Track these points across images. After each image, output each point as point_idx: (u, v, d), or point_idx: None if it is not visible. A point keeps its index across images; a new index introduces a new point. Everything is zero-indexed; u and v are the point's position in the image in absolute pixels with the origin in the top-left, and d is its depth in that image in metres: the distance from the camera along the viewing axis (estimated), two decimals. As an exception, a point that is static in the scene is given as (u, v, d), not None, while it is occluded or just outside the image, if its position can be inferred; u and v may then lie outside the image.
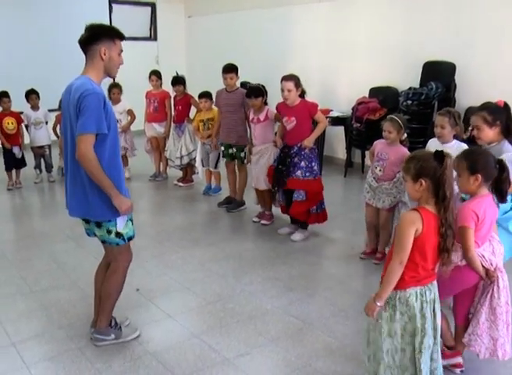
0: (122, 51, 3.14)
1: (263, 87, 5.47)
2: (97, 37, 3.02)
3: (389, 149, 4.38)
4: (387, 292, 2.49)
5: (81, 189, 3.03)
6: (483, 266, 2.77)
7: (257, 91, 5.38)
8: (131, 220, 3.21)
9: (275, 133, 5.40)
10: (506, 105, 3.46)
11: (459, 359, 3.04)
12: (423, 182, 2.44)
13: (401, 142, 4.41)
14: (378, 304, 2.50)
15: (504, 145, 3.36)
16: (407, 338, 2.54)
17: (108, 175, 2.97)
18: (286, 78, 4.87)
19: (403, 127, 4.33)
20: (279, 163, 5.11)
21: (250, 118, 5.52)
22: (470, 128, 3.54)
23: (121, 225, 3.12)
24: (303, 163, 4.94)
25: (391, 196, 4.40)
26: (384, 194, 4.43)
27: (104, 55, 3.03)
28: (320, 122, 5.03)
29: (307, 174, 4.94)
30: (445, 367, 3.03)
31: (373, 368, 2.66)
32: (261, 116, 5.40)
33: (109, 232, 3.13)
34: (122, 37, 3.13)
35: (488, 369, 3.10)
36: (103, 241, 3.22)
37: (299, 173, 4.93)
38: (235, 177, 6.25)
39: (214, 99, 6.33)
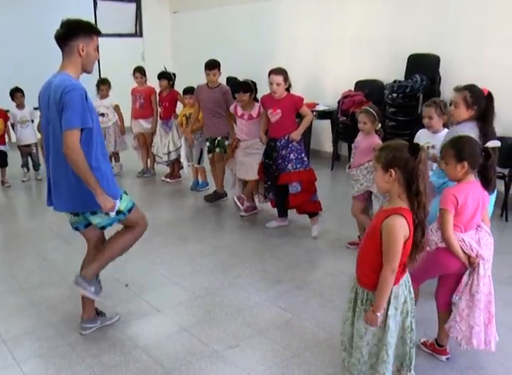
0: (98, 46, 3.14)
1: (253, 83, 5.47)
2: (74, 32, 3.02)
3: (362, 138, 4.50)
4: (384, 301, 2.45)
5: (72, 183, 3.04)
6: (464, 251, 2.82)
7: (245, 86, 5.40)
8: (125, 193, 3.28)
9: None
10: (489, 94, 3.47)
11: (443, 359, 3.10)
12: (393, 172, 2.35)
13: (376, 132, 4.49)
14: (379, 314, 2.45)
15: (466, 126, 3.39)
16: (399, 331, 2.54)
17: (100, 168, 3.02)
18: (275, 72, 4.89)
19: (377, 118, 4.41)
20: (266, 157, 5.14)
21: (239, 114, 5.50)
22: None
23: (117, 204, 3.15)
24: (292, 155, 4.96)
25: (358, 183, 4.47)
26: (354, 181, 4.53)
27: (82, 51, 3.03)
28: (306, 115, 5.06)
29: (298, 166, 4.98)
30: (431, 355, 3.11)
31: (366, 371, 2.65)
32: (254, 113, 5.41)
33: (108, 214, 3.15)
34: (98, 32, 3.15)
35: (472, 356, 3.15)
36: (102, 228, 3.29)
37: (290, 166, 4.96)
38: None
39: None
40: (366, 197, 4.53)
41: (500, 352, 3.14)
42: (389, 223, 2.37)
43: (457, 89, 3.50)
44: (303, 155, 5.03)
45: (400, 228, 2.35)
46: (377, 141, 4.38)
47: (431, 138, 3.98)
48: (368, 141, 4.40)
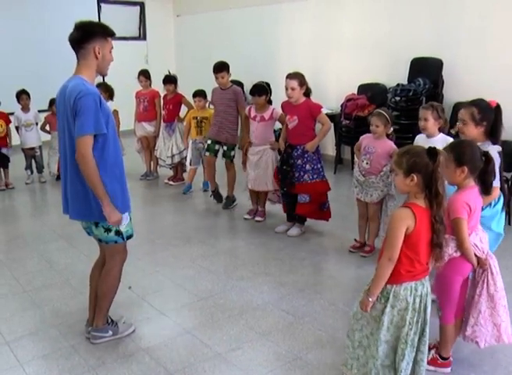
0: (112, 48, 3.13)
1: (267, 85, 5.43)
2: (90, 35, 2.99)
3: (375, 143, 4.47)
4: (378, 287, 2.55)
5: (82, 190, 3.02)
6: (475, 255, 2.83)
7: (260, 89, 5.34)
8: (130, 218, 3.21)
9: (278, 135, 5.41)
10: (498, 106, 3.36)
11: (447, 370, 3.04)
12: (414, 177, 2.47)
13: (387, 136, 4.49)
14: (370, 299, 2.56)
15: (487, 147, 3.27)
16: (392, 330, 2.59)
17: (113, 174, 3.00)
18: (290, 76, 4.84)
19: (389, 121, 4.42)
20: (282, 163, 5.10)
21: (252, 115, 5.45)
22: (458, 123, 3.51)
23: (123, 224, 3.12)
24: (308, 166, 4.94)
25: (378, 190, 4.47)
26: (371, 188, 4.50)
27: (99, 53, 3.01)
28: (323, 124, 4.97)
29: (315, 176, 4.96)
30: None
31: (359, 357, 2.72)
32: (266, 115, 5.37)
33: (108, 230, 3.13)
34: (113, 34, 3.12)
35: (474, 359, 3.15)
36: (99, 240, 3.23)
37: (306, 176, 4.95)
38: (214, 171, 6.22)
39: (210, 97, 6.26)
40: (383, 199, 4.57)
41: (502, 355, 3.16)
42: (393, 213, 2.57)
43: (464, 106, 3.41)
44: (319, 165, 4.99)
45: (402, 218, 2.48)
46: (393, 146, 4.39)
47: (426, 143, 3.95)
48: (383, 146, 4.41)
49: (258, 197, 5.72)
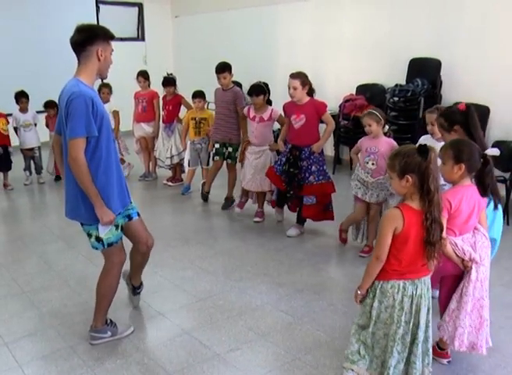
0: (113, 50, 3.15)
1: (265, 85, 5.44)
2: (93, 37, 3.01)
3: (376, 142, 4.48)
4: (367, 283, 2.66)
5: (74, 190, 3.05)
6: (457, 254, 2.84)
7: (258, 89, 5.36)
8: (116, 226, 3.18)
9: (277, 135, 5.40)
10: (467, 108, 3.26)
11: (444, 362, 3.11)
12: (409, 178, 2.47)
13: (385, 134, 4.50)
14: (359, 292, 2.70)
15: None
16: (379, 325, 2.65)
17: (105, 176, 3.01)
18: (292, 76, 4.86)
19: (381, 118, 4.42)
20: (289, 166, 5.02)
21: (251, 116, 5.46)
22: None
23: (103, 231, 3.11)
24: (314, 167, 4.92)
25: (385, 189, 4.48)
26: (378, 189, 4.51)
27: (101, 56, 3.03)
28: (327, 124, 4.95)
29: (321, 177, 4.95)
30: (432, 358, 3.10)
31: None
32: (265, 116, 5.39)
33: (89, 235, 3.15)
34: (113, 37, 3.15)
35: (472, 359, 3.16)
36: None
37: (311, 178, 4.93)
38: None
39: (212, 98, 6.26)
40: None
41: (500, 355, 3.16)
42: (384, 214, 2.68)
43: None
44: (324, 167, 5.00)
45: (390, 219, 2.53)
46: (394, 142, 4.42)
47: (433, 146, 3.94)
48: (384, 143, 4.43)
49: (249, 192, 5.78)
